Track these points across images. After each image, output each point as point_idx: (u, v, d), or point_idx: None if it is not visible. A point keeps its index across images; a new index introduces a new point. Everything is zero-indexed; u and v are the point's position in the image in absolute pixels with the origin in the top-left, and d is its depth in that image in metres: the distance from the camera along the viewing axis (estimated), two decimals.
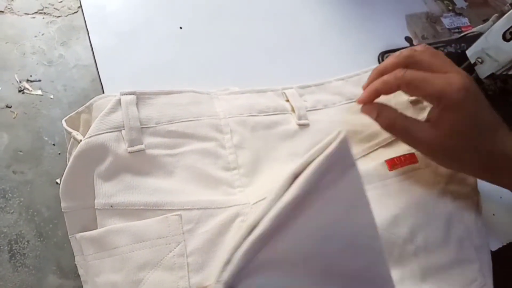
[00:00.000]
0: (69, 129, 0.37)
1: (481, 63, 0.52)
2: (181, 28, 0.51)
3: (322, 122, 0.44)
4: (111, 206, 0.34)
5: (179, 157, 0.38)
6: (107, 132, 0.35)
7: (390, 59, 0.41)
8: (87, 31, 0.49)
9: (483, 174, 0.39)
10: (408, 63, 0.39)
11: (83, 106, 0.38)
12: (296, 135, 0.43)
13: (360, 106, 0.43)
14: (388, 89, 0.39)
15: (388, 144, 0.45)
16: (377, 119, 0.40)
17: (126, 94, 0.37)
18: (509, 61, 0.49)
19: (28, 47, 0.49)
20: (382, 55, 0.57)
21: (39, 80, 0.47)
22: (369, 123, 0.44)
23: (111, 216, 0.34)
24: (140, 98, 0.37)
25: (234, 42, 0.52)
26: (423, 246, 0.40)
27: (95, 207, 0.34)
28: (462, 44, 0.62)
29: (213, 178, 0.38)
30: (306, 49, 0.54)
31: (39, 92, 0.46)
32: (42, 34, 0.50)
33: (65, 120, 0.38)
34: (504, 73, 0.51)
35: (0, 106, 0.44)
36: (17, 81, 0.46)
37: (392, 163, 0.43)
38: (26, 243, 0.39)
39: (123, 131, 0.35)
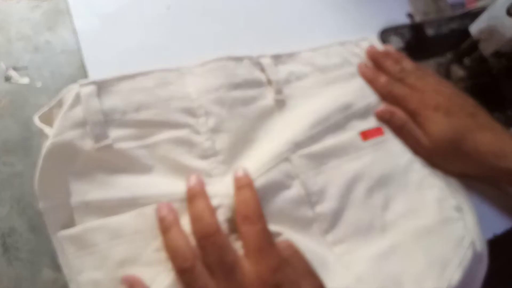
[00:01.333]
0: (41, 126, 0.35)
1: (485, 40, 0.50)
2: (168, 9, 0.48)
3: (297, 98, 0.43)
4: (87, 204, 0.33)
5: (151, 148, 0.36)
6: (70, 130, 0.33)
7: (387, 62, 0.48)
8: (70, 14, 0.46)
9: (477, 174, 0.43)
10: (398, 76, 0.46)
11: (55, 101, 0.36)
12: (272, 113, 0.42)
13: (332, 76, 0.46)
14: (374, 88, 0.47)
15: (363, 115, 0.45)
16: (390, 119, 0.44)
17: (85, 85, 0.34)
18: None
19: (13, 33, 0.46)
20: (382, 34, 0.55)
21: (26, 67, 0.45)
22: (343, 94, 0.45)
23: (88, 214, 0.33)
24: (102, 87, 0.35)
25: (224, 21, 0.49)
26: (402, 213, 0.40)
27: (72, 206, 0.33)
28: (466, 21, 0.60)
29: (189, 168, 0.36)
30: (304, 28, 0.52)
31: (26, 79, 0.44)
32: (28, 19, 0.48)
33: (39, 116, 0.35)
34: (509, 50, 0.49)
35: None
36: (3, 69, 0.44)
37: (365, 135, 0.43)
38: (19, 236, 0.38)
39: (87, 127, 0.33)
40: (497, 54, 0.50)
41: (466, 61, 0.53)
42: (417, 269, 0.36)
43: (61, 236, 0.34)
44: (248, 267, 0.29)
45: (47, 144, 0.33)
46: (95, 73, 0.42)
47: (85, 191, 0.33)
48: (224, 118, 0.39)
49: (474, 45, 0.51)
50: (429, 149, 0.42)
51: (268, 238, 0.31)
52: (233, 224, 0.34)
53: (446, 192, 0.42)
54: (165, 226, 0.31)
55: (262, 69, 0.43)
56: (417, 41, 0.56)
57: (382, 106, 0.45)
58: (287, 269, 0.30)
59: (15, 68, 0.44)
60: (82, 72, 0.45)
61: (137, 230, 0.32)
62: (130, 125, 0.35)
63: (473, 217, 0.41)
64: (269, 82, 0.42)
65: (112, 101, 0.35)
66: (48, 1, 0.49)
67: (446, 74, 0.54)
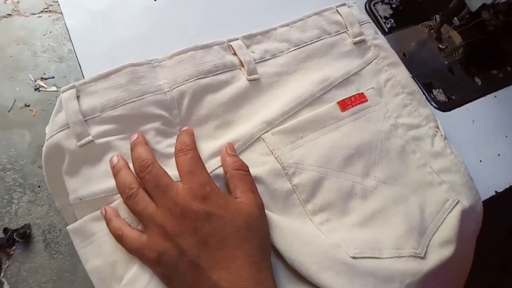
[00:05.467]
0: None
1: None
2: (155, 0, 0.45)
3: (272, 76, 0.40)
4: (80, 199, 0.32)
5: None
6: (58, 132, 0.33)
7: None
8: (61, 13, 0.44)
9: None
10: None
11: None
12: (248, 93, 0.38)
13: (309, 50, 0.41)
14: None
15: (340, 84, 0.41)
16: None
17: (66, 90, 0.34)
18: None
19: (38, 46, 0.47)
20: (369, 3, 0.50)
21: (53, 77, 0.45)
22: (320, 67, 0.41)
23: (84, 208, 0.33)
24: (81, 89, 0.34)
25: (209, 10, 0.46)
26: (383, 180, 0.37)
27: (70, 203, 0.33)
28: None
29: (165, 155, 0.35)
30: (289, 4, 0.47)
31: (54, 88, 0.45)
32: (50, 32, 0.48)
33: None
34: (496, 2, 0.43)
35: (19, 106, 0.43)
36: (32, 80, 0.44)
37: (344, 104, 0.39)
38: (58, 232, 0.39)
39: (70, 128, 0.33)
40: (491, 9, 0.44)
41: (455, 21, 0.48)
42: (396, 235, 0.34)
43: (68, 230, 0.34)
44: (181, 186, 0.31)
45: (43, 149, 0.34)
46: (88, 68, 0.40)
47: (77, 188, 0.33)
48: (196, 107, 0.37)
49: (462, 2, 0.46)
50: None
51: (198, 163, 0.32)
52: None
53: (429, 157, 0.39)
54: (117, 170, 0.32)
55: (234, 53, 0.40)
56: (404, 7, 0.52)
57: None
58: (216, 186, 0.32)
59: (43, 79, 0.45)
60: None
61: (124, 217, 0.31)
62: (109, 121, 0.34)
63: (463, 176, 0.38)
64: (242, 63, 0.39)
65: (91, 101, 0.34)
66: None
67: (438, 37, 0.49)
